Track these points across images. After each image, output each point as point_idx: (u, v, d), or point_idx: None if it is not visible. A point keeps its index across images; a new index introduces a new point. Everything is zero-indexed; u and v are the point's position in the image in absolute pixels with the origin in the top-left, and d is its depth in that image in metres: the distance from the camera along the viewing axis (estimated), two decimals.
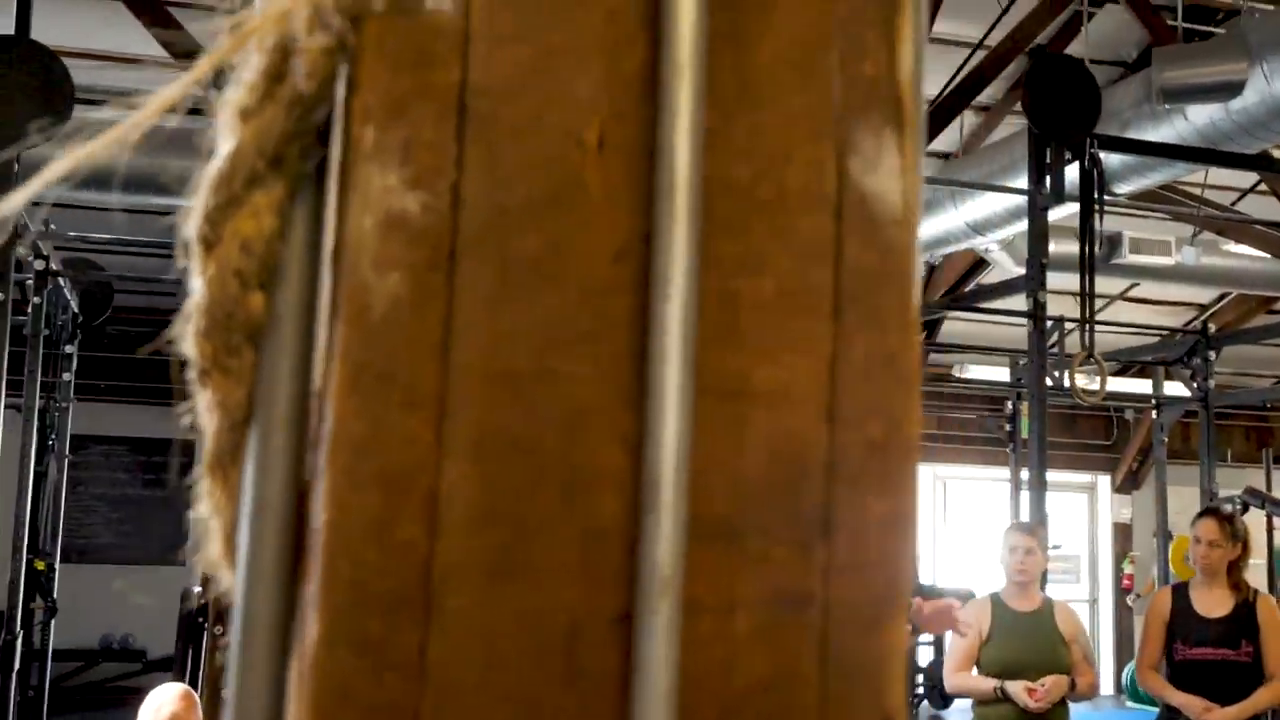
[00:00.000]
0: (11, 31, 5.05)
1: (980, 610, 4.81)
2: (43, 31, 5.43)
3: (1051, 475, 14.34)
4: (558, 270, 0.52)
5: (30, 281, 5.49)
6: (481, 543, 0.50)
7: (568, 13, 0.53)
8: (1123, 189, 7.71)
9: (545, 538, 0.51)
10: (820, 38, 0.55)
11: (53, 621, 7.30)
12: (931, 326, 12.20)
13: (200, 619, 6.24)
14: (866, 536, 0.54)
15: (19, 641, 5.82)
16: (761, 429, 0.53)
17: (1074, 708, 4.71)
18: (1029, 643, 4.61)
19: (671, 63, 0.52)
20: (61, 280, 6.39)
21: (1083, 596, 14.33)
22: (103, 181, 7.62)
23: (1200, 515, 4.82)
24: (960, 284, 11.42)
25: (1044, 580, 4.93)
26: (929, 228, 9.00)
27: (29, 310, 5.53)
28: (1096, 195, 5.98)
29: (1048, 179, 5.75)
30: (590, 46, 0.53)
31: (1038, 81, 5.77)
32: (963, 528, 13.40)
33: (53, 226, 5.67)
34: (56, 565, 7.18)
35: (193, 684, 6.25)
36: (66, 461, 7.39)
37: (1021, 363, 8.72)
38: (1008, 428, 9.87)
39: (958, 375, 12.19)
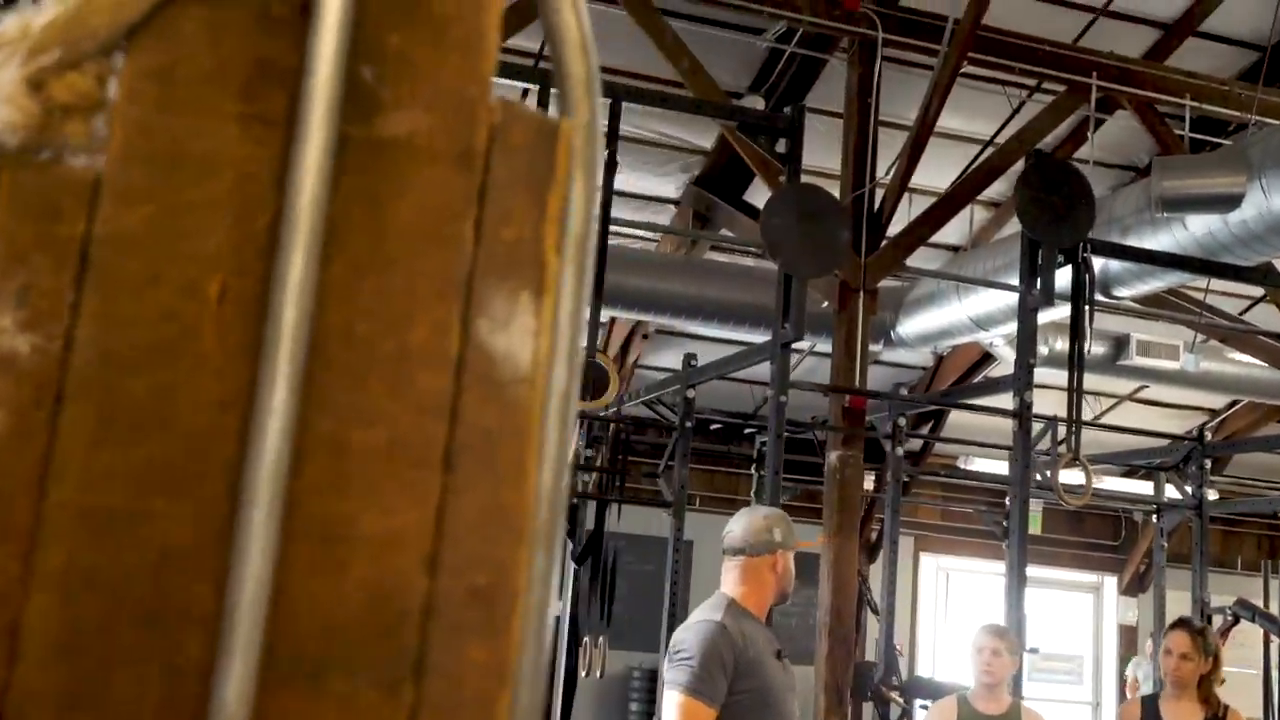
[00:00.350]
0: None
1: (945, 711, 4.77)
2: None
3: (1057, 574, 14.27)
4: (164, 415, 0.55)
5: None
6: (60, 674, 0.52)
7: (201, 173, 0.56)
8: (1125, 292, 7.72)
9: (126, 672, 0.53)
10: (455, 205, 0.59)
11: None
12: (938, 417, 12.18)
13: None
14: (462, 680, 0.56)
15: None
16: (362, 573, 0.56)
17: None
18: None
19: (289, 223, 0.55)
20: None
21: (1085, 698, 14.13)
22: None
23: (1171, 627, 4.77)
24: (968, 375, 11.41)
25: (1016, 683, 4.87)
26: (934, 319, 9.02)
27: None
28: (1088, 299, 5.99)
29: (1039, 280, 5.77)
30: (220, 205, 0.56)
31: (1032, 184, 5.81)
32: (964, 621, 13.25)
33: None
34: None
35: None
36: None
37: None
38: (1004, 523, 9.80)
39: (962, 466, 12.13)
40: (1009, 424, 9.53)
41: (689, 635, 3.44)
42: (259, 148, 0.56)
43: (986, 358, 10.97)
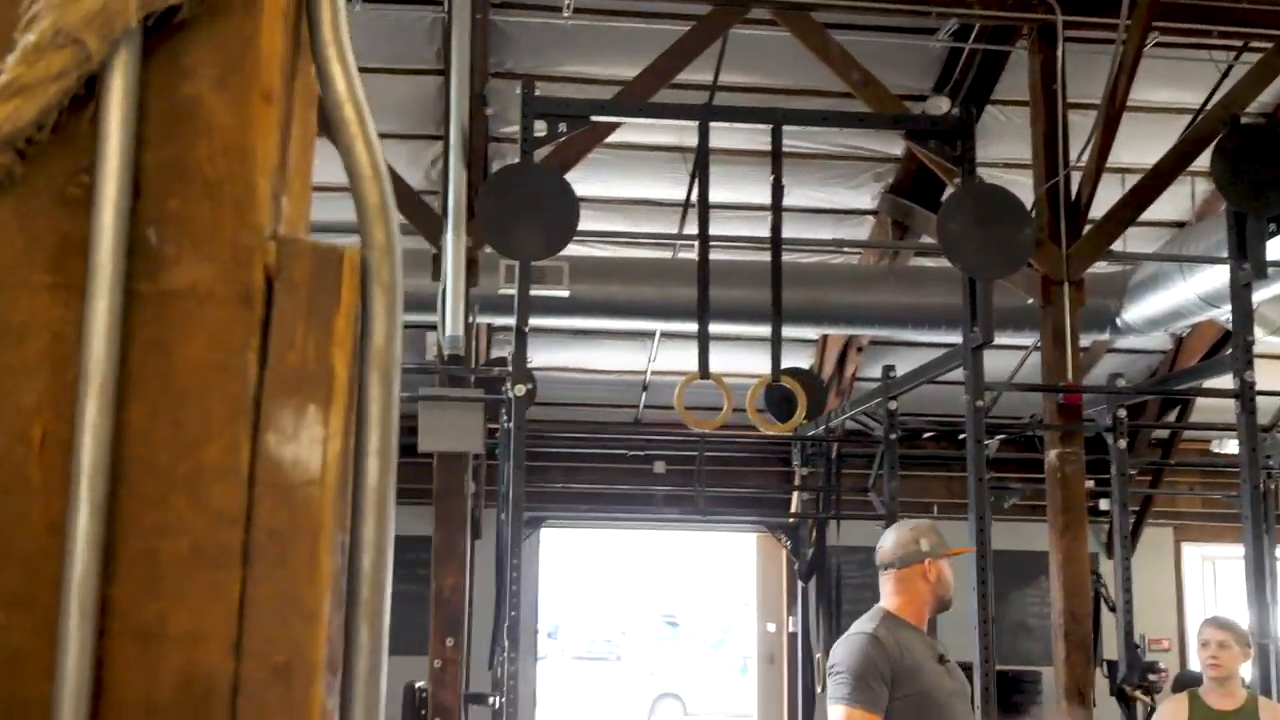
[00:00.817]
0: None
1: (1177, 708, 4.60)
2: None
3: None
4: (6, 541, 0.66)
5: None
6: None
7: (19, 338, 0.68)
8: None
9: None
10: (237, 340, 0.69)
11: None
12: (1185, 403, 11.61)
13: (421, 712, 6.60)
14: None
15: None
16: (175, 662, 0.66)
17: None
18: None
19: (84, 375, 0.66)
20: None
21: None
22: None
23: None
24: (1211, 354, 10.86)
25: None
26: (1161, 302, 8.63)
27: None
28: None
29: (1248, 253, 5.49)
30: (37, 364, 0.68)
31: (1230, 152, 5.54)
32: (1233, 609, 12.57)
33: None
34: None
35: None
36: None
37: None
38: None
39: (1215, 450, 11.54)
40: (1264, 402, 9.05)
41: (842, 650, 3.55)
42: (66, 310, 0.68)
43: (1228, 335, 10.42)
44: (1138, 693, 6.23)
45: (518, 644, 5.40)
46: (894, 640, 3.51)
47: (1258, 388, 5.65)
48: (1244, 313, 5.67)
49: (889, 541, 3.73)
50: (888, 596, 3.68)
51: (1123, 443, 6.74)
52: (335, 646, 0.68)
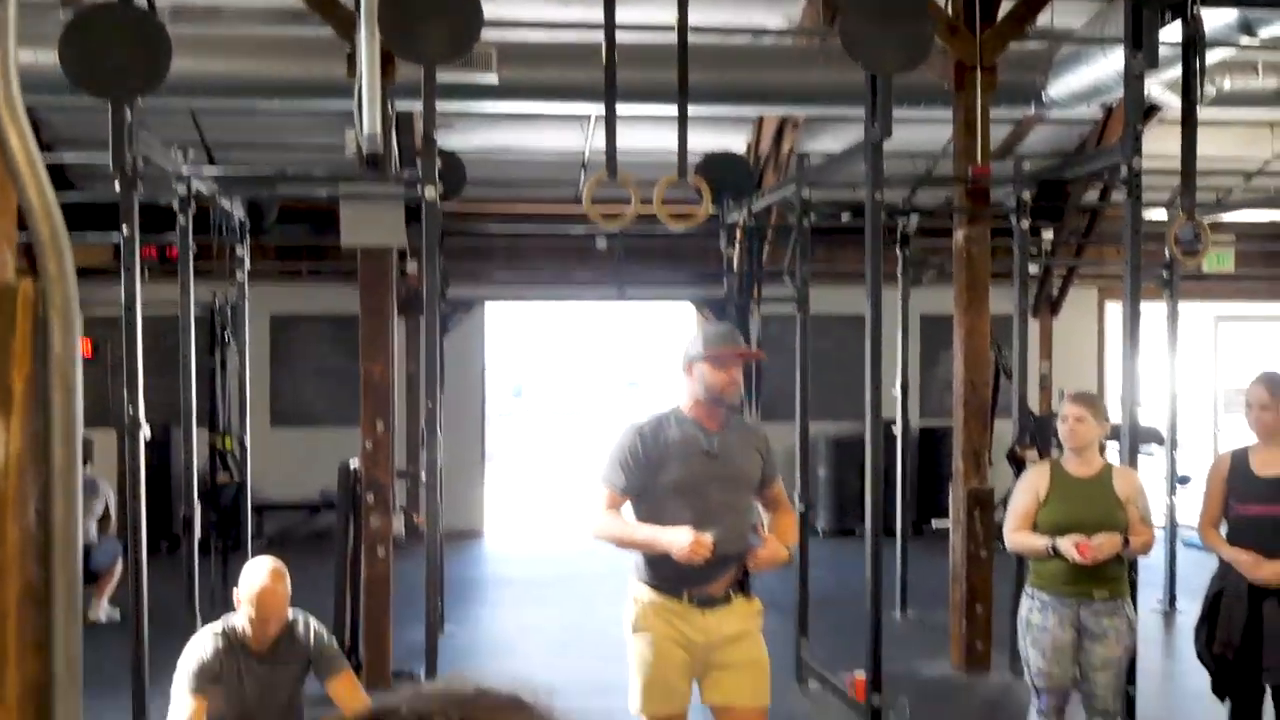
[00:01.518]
0: None
1: (1039, 475, 5.01)
2: None
3: (1256, 308, 13.94)
4: None
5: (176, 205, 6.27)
6: None
7: None
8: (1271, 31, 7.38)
9: None
10: None
11: (249, 483, 8.26)
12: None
13: (355, 488, 7.03)
14: None
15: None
16: None
17: None
18: (1083, 506, 4.79)
19: None
20: (224, 200, 7.25)
21: None
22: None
23: (1253, 383, 4.87)
24: None
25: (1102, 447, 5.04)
26: (1083, 77, 8.76)
27: (176, 230, 6.33)
28: (1198, 56, 5.84)
29: (1143, 43, 5.64)
30: None
31: None
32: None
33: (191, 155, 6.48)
34: (247, 440, 8.13)
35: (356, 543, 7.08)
36: (247, 343, 8.18)
37: None
38: (1164, 274, 9.65)
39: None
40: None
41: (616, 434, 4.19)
42: None
43: (1152, 109, 10.59)
44: (1028, 453, 6.70)
45: (435, 432, 5.74)
46: (653, 433, 4.09)
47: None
48: (1135, 101, 5.87)
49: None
50: (680, 394, 4.23)
51: (1025, 223, 7.03)
52: (37, 588, 0.95)
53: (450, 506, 12.61)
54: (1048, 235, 12.16)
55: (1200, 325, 14.24)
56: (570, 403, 28.74)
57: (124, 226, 5.66)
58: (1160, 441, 8.94)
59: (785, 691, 6.99)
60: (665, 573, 4.04)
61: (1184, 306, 13.74)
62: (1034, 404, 13.61)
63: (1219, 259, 12.09)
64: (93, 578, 8.54)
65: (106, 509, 8.81)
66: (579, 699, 5.32)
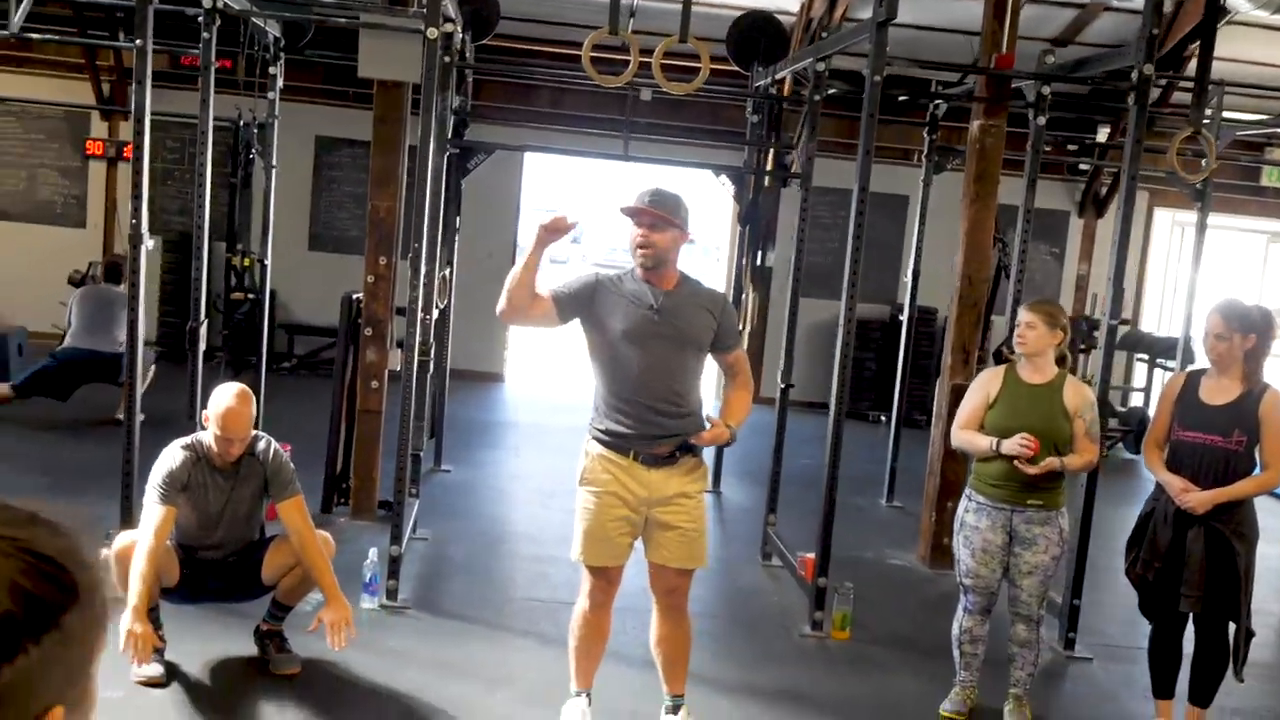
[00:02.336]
0: None
1: (992, 378, 5.00)
2: None
3: None
4: None
5: (201, 19, 6.24)
6: None
7: None
8: None
9: None
10: None
11: (255, 307, 8.41)
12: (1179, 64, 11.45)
13: (356, 319, 7.17)
14: None
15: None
16: None
17: None
18: (1029, 412, 4.77)
19: None
20: (258, 19, 7.22)
21: None
22: None
23: (1211, 310, 4.78)
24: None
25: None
26: None
27: (199, 44, 6.30)
28: None
29: None
30: None
31: None
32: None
33: None
34: (268, 260, 8.22)
35: (353, 371, 7.25)
36: (274, 162, 8.19)
37: None
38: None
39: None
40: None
41: None
42: None
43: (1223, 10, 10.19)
44: (1012, 355, 6.65)
45: (418, 272, 5.80)
46: (611, 283, 4.26)
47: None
48: (1155, 4, 5.68)
49: None
50: None
51: (1042, 119, 6.87)
52: None
53: (471, 348, 12.90)
54: (1103, 132, 11.89)
55: (1253, 243, 13.91)
56: (623, 256, 29.01)
57: (137, 39, 5.72)
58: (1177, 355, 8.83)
59: (748, 565, 7.15)
60: (616, 431, 4.21)
61: (1238, 222, 13.49)
62: (1068, 308, 13.52)
63: (1272, 174, 11.75)
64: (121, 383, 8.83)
65: None
66: (549, 546, 5.60)
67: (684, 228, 4.23)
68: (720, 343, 4.34)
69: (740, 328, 4.85)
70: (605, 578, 4.32)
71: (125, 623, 4.16)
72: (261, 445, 4.76)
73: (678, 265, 4.31)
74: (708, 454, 4.62)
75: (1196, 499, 4.61)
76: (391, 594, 5.68)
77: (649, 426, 4.19)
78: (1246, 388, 4.67)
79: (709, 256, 24.86)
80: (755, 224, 8.03)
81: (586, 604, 4.36)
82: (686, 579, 4.38)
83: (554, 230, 4.04)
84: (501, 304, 4.16)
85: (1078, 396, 4.86)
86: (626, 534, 4.26)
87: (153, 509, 4.50)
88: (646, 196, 4.21)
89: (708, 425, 4.26)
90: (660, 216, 4.17)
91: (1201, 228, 8.41)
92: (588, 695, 4.48)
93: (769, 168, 8.21)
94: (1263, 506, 4.80)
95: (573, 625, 4.42)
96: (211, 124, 6.47)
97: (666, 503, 4.23)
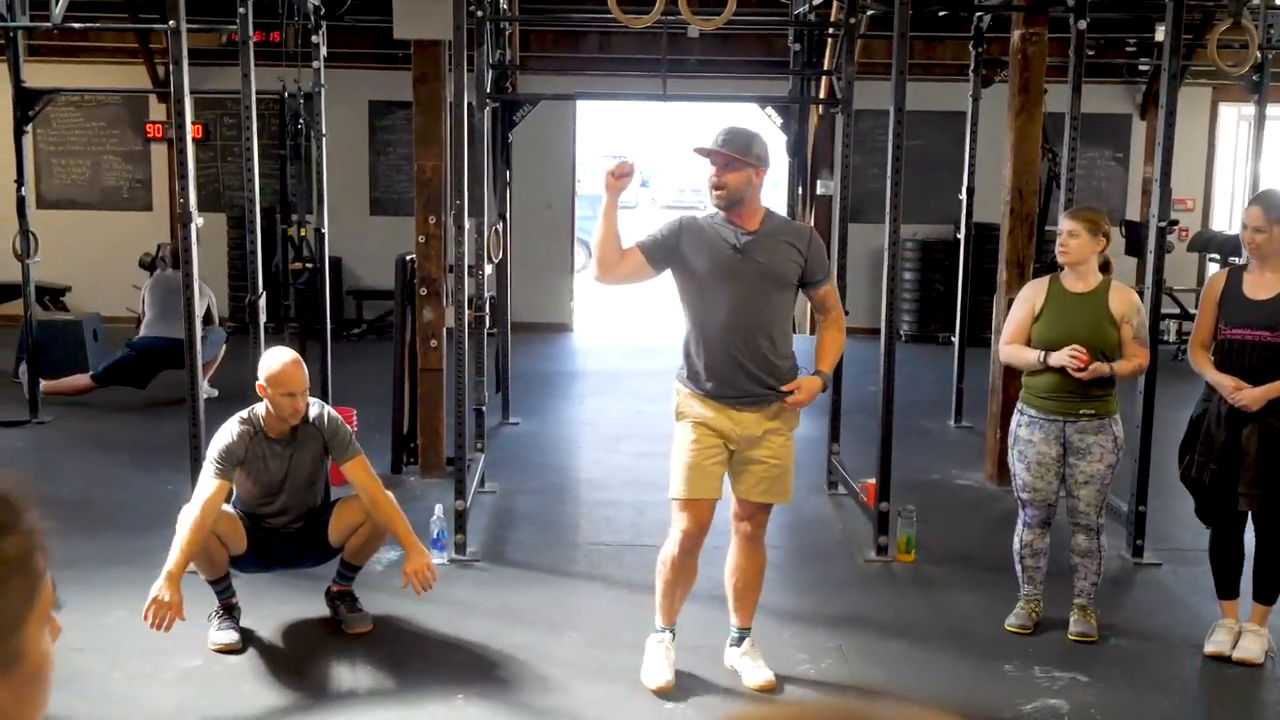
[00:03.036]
0: None
1: (1036, 289, 4.96)
2: None
3: None
4: None
5: None
6: None
7: None
8: None
9: None
10: None
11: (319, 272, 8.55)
12: None
13: (411, 279, 7.27)
14: None
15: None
16: None
17: None
18: (1076, 320, 4.72)
19: None
20: None
21: None
22: None
23: (1249, 203, 4.68)
24: None
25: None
26: None
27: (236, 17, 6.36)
28: None
29: None
30: None
31: None
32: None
33: None
34: (325, 228, 8.33)
35: (413, 331, 7.35)
36: (324, 131, 8.26)
37: None
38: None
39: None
40: None
41: None
42: None
43: None
44: None
45: (462, 227, 5.86)
46: (697, 227, 4.28)
47: None
48: None
49: None
50: None
51: (1083, 23, 6.72)
52: None
53: (536, 301, 13.00)
54: (1161, 30, 11.57)
55: None
56: (691, 197, 29.05)
57: (170, 20, 5.80)
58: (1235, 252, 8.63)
59: (813, 495, 7.18)
60: (703, 379, 4.26)
61: None
62: (1134, 211, 13.25)
63: None
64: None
65: (209, 309, 9.19)
66: (613, 491, 5.66)
67: (760, 164, 4.22)
68: (808, 278, 4.33)
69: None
70: (698, 516, 4.30)
71: (154, 589, 4.21)
72: (315, 411, 4.85)
73: (760, 202, 4.31)
74: None
75: (1250, 396, 4.55)
76: (459, 548, 5.80)
77: (738, 375, 4.23)
78: None
79: (773, 187, 24.74)
80: (803, 154, 7.98)
81: (676, 550, 4.34)
82: (766, 511, 4.45)
83: (621, 176, 4.09)
84: (593, 267, 4.25)
85: (1123, 302, 4.81)
86: (720, 463, 4.29)
87: (207, 482, 4.60)
88: (720, 136, 4.20)
89: (800, 374, 4.29)
90: (731, 156, 4.15)
91: (1261, 120, 8.18)
92: (671, 631, 4.50)
93: (820, 95, 8.13)
94: None
95: (661, 567, 4.42)
96: (254, 98, 6.54)
97: (756, 441, 4.29)
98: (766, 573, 4.59)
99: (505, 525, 6.46)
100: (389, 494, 4.78)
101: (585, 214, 17.52)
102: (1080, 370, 4.65)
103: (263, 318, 6.57)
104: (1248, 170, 8.86)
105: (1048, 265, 6.81)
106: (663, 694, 4.33)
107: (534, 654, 4.68)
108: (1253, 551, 4.78)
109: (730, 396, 4.24)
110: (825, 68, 8.28)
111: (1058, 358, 4.70)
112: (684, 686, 4.39)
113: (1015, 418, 4.98)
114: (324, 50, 8.24)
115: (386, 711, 4.17)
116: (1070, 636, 4.92)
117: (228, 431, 4.72)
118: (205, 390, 9.03)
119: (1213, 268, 12.59)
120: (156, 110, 13.15)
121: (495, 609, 5.18)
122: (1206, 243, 12.10)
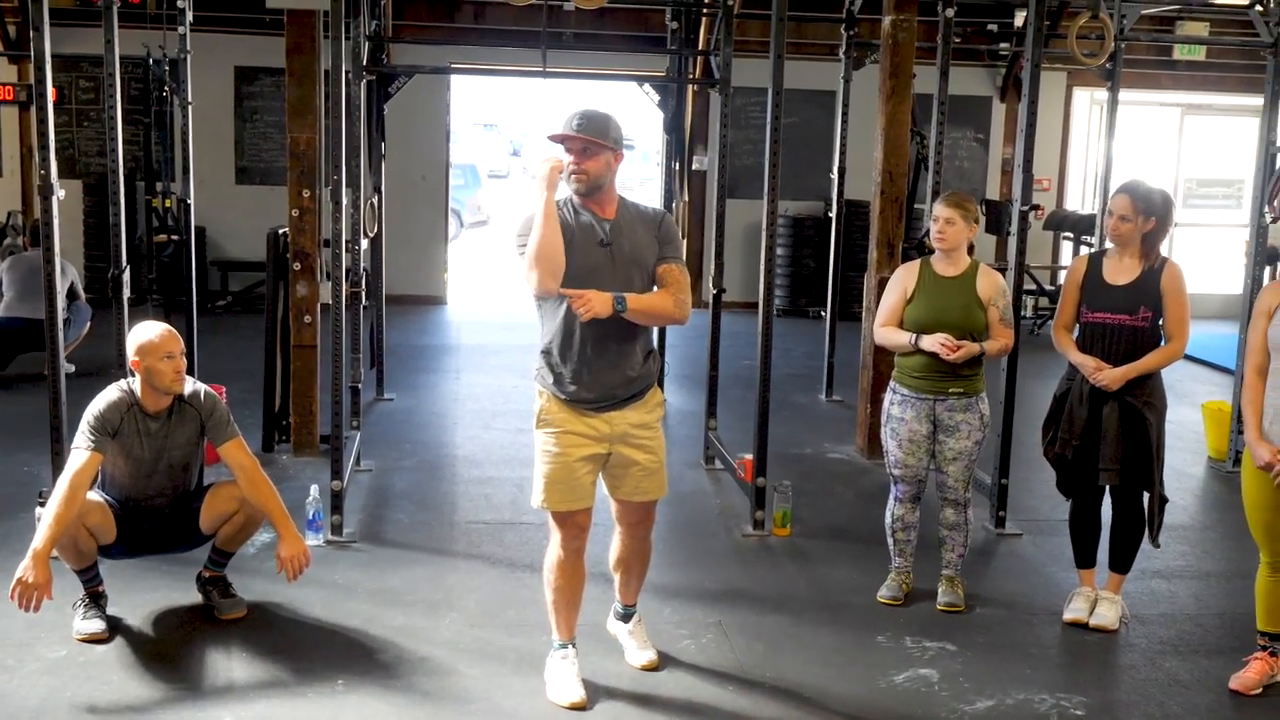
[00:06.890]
0: None
1: (908, 273, 5.09)
2: None
3: (1221, 99, 13.64)
4: None
5: None
6: None
7: None
8: None
9: None
10: None
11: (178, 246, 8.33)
12: None
13: (283, 253, 7.14)
14: None
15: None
16: None
17: None
18: (947, 304, 4.89)
19: None
20: None
21: (1243, 221, 13.97)
22: None
23: (1117, 191, 4.86)
24: None
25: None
26: None
27: None
28: None
29: None
30: None
31: None
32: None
33: None
34: (190, 199, 8.10)
35: (285, 307, 7.22)
36: (189, 99, 8.02)
37: None
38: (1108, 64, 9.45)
39: None
40: None
41: None
42: None
43: None
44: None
45: (356, 192, 5.78)
46: (566, 222, 3.95)
47: None
48: None
49: None
50: None
51: (950, 11, 6.88)
52: None
53: (409, 274, 12.88)
54: (1020, 16, 11.89)
55: (1167, 116, 14.06)
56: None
57: None
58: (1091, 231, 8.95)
59: (690, 470, 7.27)
60: (566, 383, 4.04)
61: (1152, 96, 13.62)
62: (994, 191, 13.63)
63: (1188, 49, 11.82)
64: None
65: (73, 285, 8.90)
66: (490, 468, 5.53)
67: (616, 148, 3.98)
68: (661, 258, 4.06)
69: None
70: (577, 522, 4.11)
71: (20, 569, 4.10)
72: (191, 389, 4.72)
73: (615, 187, 4.06)
74: None
75: (1110, 376, 4.74)
76: (336, 529, 5.74)
77: (611, 376, 4.02)
78: (1146, 264, 4.80)
79: (649, 162, 24.80)
80: (680, 131, 8.03)
81: (560, 553, 4.14)
82: (652, 509, 4.32)
83: (561, 171, 3.87)
84: (537, 277, 3.87)
85: (990, 285, 4.98)
86: (591, 471, 4.09)
87: (77, 455, 4.46)
88: (575, 120, 3.93)
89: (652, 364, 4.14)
90: (590, 141, 3.91)
91: (1113, 105, 8.48)
92: (573, 646, 4.26)
93: (694, 74, 8.18)
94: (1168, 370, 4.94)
95: (548, 576, 4.20)
96: (119, 64, 6.32)
97: (627, 437, 4.09)
98: None
99: (382, 504, 6.41)
100: (265, 475, 4.71)
101: (458, 183, 17.28)
102: (949, 354, 4.81)
103: (127, 292, 6.40)
104: (1101, 151, 9.19)
105: (916, 245, 7.01)
106: (577, 709, 4.08)
107: (415, 636, 4.67)
108: (1109, 523, 4.99)
109: (600, 401, 4.04)
110: (700, 46, 8.33)
111: (928, 343, 4.85)
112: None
113: (888, 396, 5.12)
114: (190, 15, 8.01)
115: (263, 700, 4.11)
116: (939, 607, 5.09)
117: (103, 399, 4.57)
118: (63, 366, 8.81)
119: (1067, 246, 13.04)
120: (6, 71, 12.62)
121: (374, 591, 5.14)
122: (1060, 222, 12.52)
